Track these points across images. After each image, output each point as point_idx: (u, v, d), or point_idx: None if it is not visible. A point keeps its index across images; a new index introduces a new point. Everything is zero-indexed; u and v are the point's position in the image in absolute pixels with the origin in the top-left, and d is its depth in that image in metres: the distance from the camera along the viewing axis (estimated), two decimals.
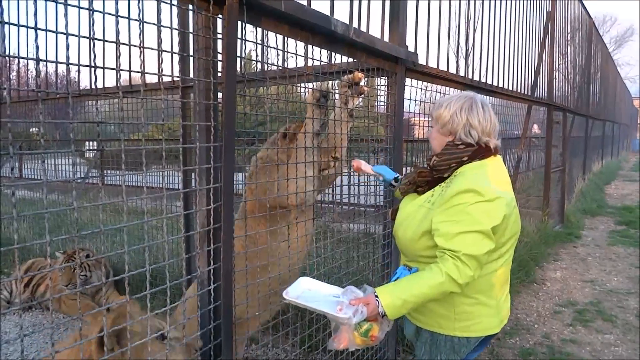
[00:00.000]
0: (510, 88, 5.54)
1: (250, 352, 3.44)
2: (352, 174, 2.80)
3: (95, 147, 7.18)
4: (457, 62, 4.08)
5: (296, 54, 2.11)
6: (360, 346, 1.72)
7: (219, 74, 1.62)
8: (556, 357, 3.62)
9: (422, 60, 3.25)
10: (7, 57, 1.05)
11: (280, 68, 2.28)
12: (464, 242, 1.64)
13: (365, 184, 2.94)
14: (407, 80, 3.10)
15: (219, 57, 1.60)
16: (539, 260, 5.96)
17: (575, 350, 3.77)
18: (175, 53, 1.59)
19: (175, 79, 3.56)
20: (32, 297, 4.48)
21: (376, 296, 1.67)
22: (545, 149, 7.37)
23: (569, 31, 8.79)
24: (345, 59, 2.58)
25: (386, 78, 2.96)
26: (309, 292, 1.80)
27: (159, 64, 1.38)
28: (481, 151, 1.83)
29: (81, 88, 5.07)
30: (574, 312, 4.54)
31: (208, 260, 1.61)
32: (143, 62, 1.38)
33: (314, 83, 2.78)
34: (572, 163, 10.04)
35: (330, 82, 2.18)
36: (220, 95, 1.63)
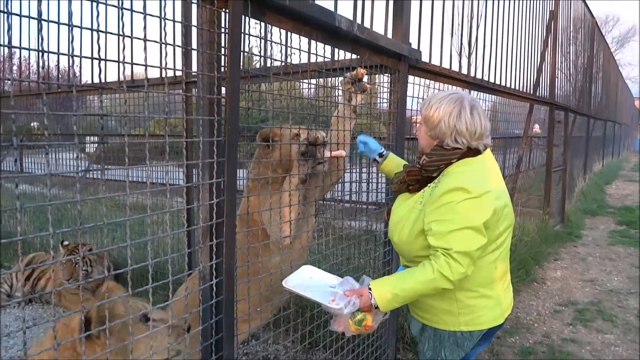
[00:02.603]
0: (513, 87, 5.53)
1: (250, 348, 3.44)
2: (354, 171, 2.79)
3: (96, 141, 7.18)
4: (459, 60, 4.07)
5: (300, 50, 2.10)
6: (355, 334, 1.79)
7: (223, 69, 1.61)
8: (556, 356, 3.62)
9: (425, 58, 3.24)
10: (11, 48, 1.04)
11: (283, 64, 2.28)
12: (455, 239, 1.67)
13: (367, 181, 2.94)
14: (410, 78, 3.09)
15: (223, 51, 1.60)
16: (539, 259, 5.95)
17: (575, 349, 3.77)
18: (178, 46, 1.59)
19: (178, 73, 3.54)
20: (32, 291, 4.47)
21: (370, 289, 1.71)
22: (547, 148, 7.36)
23: (571, 30, 8.77)
24: (348, 55, 2.57)
25: (389, 75, 2.95)
26: (308, 281, 1.85)
27: (162, 57, 1.38)
28: (470, 153, 1.83)
29: (82, 82, 5.06)
30: (574, 312, 4.54)
31: (210, 255, 1.60)
32: (146, 55, 1.37)
33: (317, 79, 2.77)
34: (573, 163, 10.03)
35: (317, 133, 2.15)
36: (223, 90, 1.62)
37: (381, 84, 3.00)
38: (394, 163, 2.30)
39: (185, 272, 1.62)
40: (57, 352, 1.09)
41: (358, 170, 2.83)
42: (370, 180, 2.91)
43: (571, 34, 8.78)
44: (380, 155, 2.32)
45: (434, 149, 1.84)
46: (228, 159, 1.60)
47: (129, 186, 1.24)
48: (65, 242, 4.32)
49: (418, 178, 1.90)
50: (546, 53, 6.83)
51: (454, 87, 3.92)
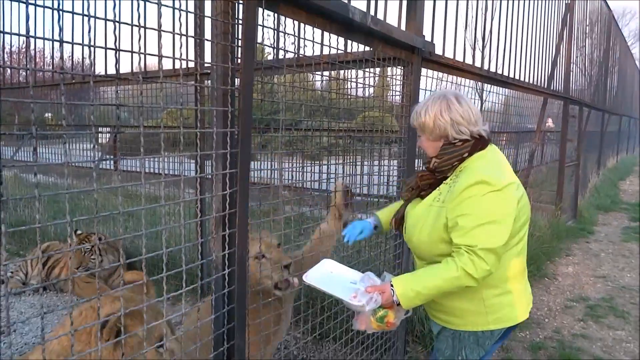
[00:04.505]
0: (526, 80, 5.47)
1: None
2: (366, 164, 2.79)
3: (110, 131, 7.24)
4: (473, 53, 4.03)
5: (313, 42, 2.10)
6: (377, 330, 1.76)
7: (237, 60, 1.62)
8: (566, 351, 3.60)
9: (438, 51, 3.22)
10: (28, 38, 1.06)
11: (297, 56, 2.28)
12: (480, 235, 1.64)
13: (378, 174, 2.93)
14: (423, 71, 3.07)
15: (237, 42, 1.60)
16: (551, 254, 5.91)
17: (586, 345, 3.75)
18: (192, 37, 1.59)
19: (191, 65, 3.56)
20: (47, 279, 4.55)
21: (392, 285, 1.69)
22: (560, 143, 7.28)
23: (587, 24, 8.63)
24: (362, 47, 2.56)
25: (402, 68, 2.94)
26: (329, 276, 1.83)
27: (176, 48, 1.38)
28: (478, 143, 1.82)
29: (96, 74, 5.10)
30: (586, 308, 4.51)
31: (223, 245, 1.62)
32: (160, 45, 1.38)
33: (330, 71, 2.77)
34: (586, 158, 9.91)
35: None
36: (237, 81, 1.63)
37: (394, 77, 2.99)
38: (387, 215, 2.21)
39: (198, 262, 1.63)
40: (73, 338, 1.11)
41: (369, 163, 2.82)
42: (382, 174, 2.91)
43: (587, 27, 8.64)
44: (375, 227, 2.21)
45: (442, 148, 1.82)
46: (241, 150, 1.61)
47: (144, 176, 1.25)
48: (79, 232, 4.39)
49: (431, 182, 1.88)
50: (561, 46, 6.74)
51: (467, 81, 3.90)
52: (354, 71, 2.83)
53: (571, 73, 7.14)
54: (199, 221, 1.54)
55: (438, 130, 1.80)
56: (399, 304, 1.69)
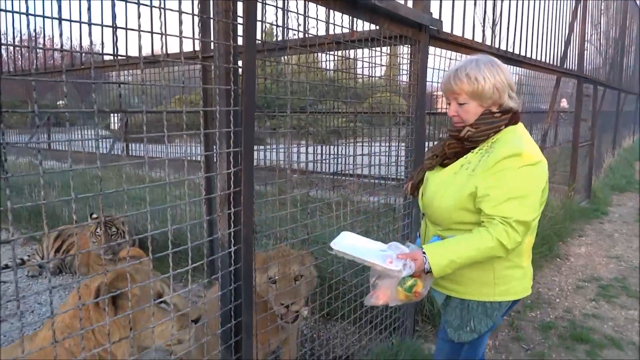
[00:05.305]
0: (539, 59, 5.37)
1: None
2: (372, 144, 2.78)
3: (116, 110, 7.29)
4: (483, 30, 3.96)
5: (316, 19, 2.08)
6: (402, 302, 1.73)
7: (240, 39, 1.61)
8: (577, 331, 3.59)
9: (447, 29, 3.17)
10: (29, 16, 1.06)
11: (301, 35, 2.25)
12: (514, 208, 1.63)
13: (386, 154, 2.93)
14: (431, 49, 3.03)
15: (240, 20, 1.59)
16: (563, 235, 5.86)
17: (597, 325, 3.73)
18: (195, 15, 1.59)
19: (195, 45, 3.56)
20: (62, 262, 4.65)
21: (424, 253, 1.67)
22: (574, 123, 7.17)
23: (603, 1, 8.42)
24: (367, 26, 2.53)
25: (409, 46, 2.90)
26: (355, 245, 1.77)
27: (183, 28, 1.38)
28: (514, 117, 1.81)
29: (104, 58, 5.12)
30: (598, 288, 4.48)
31: (229, 223, 1.63)
32: (164, 23, 1.38)
33: (335, 51, 2.74)
34: (601, 138, 9.76)
35: None
36: (240, 63, 1.63)
37: (401, 55, 2.96)
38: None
39: (206, 239, 1.65)
40: (81, 312, 1.14)
41: (379, 144, 2.81)
42: (389, 154, 2.90)
43: (602, 4, 8.42)
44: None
45: (480, 118, 1.78)
46: (245, 129, 1.62)
47: (146, 155, 1.26)
48: (95, 215, 4.45)
49: (457, 151, 1.86)
50: (575, 24, 6.58)
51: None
52: (360, 51, 2.80)
53: (585, 51, 6.99)
54: (203, 199, 1.54)
55: (495, 97, 1.76)
56: (428, 272, 1.67)
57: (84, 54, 4.60)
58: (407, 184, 2.09)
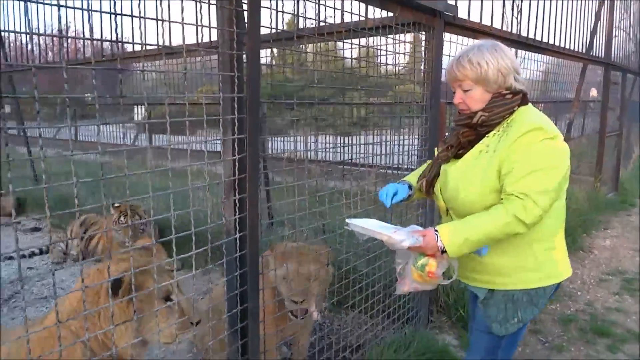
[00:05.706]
0: (564, 45, 5.21)
1: None
2: (383, 133, 2.76)
3: (137, 97, 7.40)
4: (502, 16, 3.86)
5: (325, 6, 2.06)
6: (420, 285, 1.72)
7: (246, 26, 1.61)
8: (599, 324, 3.51)
9: (463, 14, 3.10)
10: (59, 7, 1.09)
11: (315, 22, 2.24)
12: (533, 181, 1.60)
13: (399, 143, 2.90)
14: (447, 36, 2.98)
15: (244, 7, 1.59)
16: (588, 227, 5.71)
17: (620, 318, 3.64)
18: (204, 2, 1.59)
19: (214, 38, 3.57)
20: (85, 250, 4.77)
21: (436, 231, 1.65)
22: (601, 112, 6.95)
23: None
24: (380, 13, 2.49)
25: (424, 33, 2.86)
26: (368, 223, 1.78)
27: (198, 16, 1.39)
28: (525, 99, 1.78)
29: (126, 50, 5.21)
30: (622, 281, 4.36)
31: (234, 210, 1.65)
32: (182, 9, 1.39)
33: (351, 39, 2.72)
34: (631, 128, 9.44)
35: None
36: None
37: (416, 43, 2.91)
38: (416, 178, 2.10)
39: (215, 223, 1.65)
40: (84, 294, 1.16)
41: (396, 134, 2.77)
42: (401, 144, 2.87)
43: None
44: (409, 186, 2.06)
45: (491, 101, 1.75)
46: (249, 116, 1.62)
47: (149, 143, 1.28)
48: (116, 204, 4.54)
49: (472, 138, 1.82)
50: (602, 8, 6.36)
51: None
52: (373, 40, 2.77)
53: (614, 38, 6.75)
54: (207, 185, 1.55)
55: (500, 81, 1.73)
56: (443, 252, 1.64)
57: (111, 43, 4.65)
58: (421, 181, 2.00)
